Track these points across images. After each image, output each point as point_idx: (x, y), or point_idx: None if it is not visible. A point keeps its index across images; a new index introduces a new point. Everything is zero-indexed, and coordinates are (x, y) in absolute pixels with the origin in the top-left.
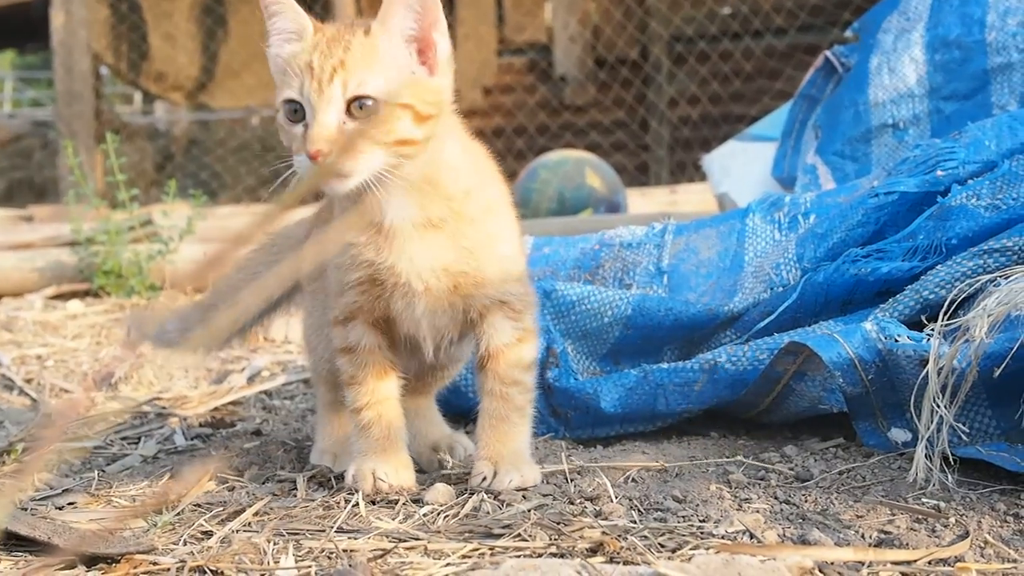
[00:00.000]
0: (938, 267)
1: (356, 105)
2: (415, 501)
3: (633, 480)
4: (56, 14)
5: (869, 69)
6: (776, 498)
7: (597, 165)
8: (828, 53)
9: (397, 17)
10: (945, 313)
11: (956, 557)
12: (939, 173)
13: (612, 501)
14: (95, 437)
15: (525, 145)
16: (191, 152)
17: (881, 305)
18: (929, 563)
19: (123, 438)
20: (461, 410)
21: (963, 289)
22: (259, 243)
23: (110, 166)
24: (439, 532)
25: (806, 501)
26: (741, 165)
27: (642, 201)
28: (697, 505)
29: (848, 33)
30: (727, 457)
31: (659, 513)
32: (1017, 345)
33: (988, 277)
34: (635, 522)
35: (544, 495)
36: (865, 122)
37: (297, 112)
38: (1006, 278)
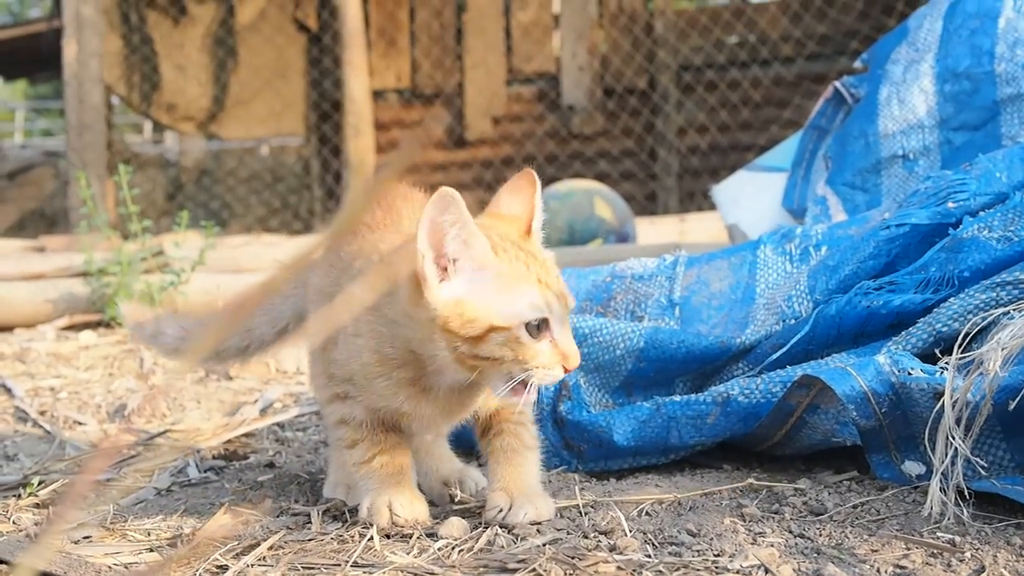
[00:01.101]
0: (951, 300)
1: None
2: (429, 535)
3: (647, 514)
4: (68, 45)
5: (879, 100)
6: (790, 532)
7: (607, 196)
8: (837, 84)
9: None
10: (959, 346)
11: None
12: (950, 205)
13: (626, 535)
14: (109, 470)
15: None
16: (201, 182)
17: (894, 338)
18: None
19: (136, 470)
20: (472, 444)
21: (976, 322)
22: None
23: (122, 197)
24: (454, 567)
25: (821, 535)
26: (751, 195)
27: (651, 230)
28: (711, 539)
29: (857, 63)
30: (740, 490)
31: (673, 547)
32: None
33: (1001, 310)
34: (650, 556)
35: (558, 529)
36: (875, 153)
37: (540, 328)
38: (1019, 311)
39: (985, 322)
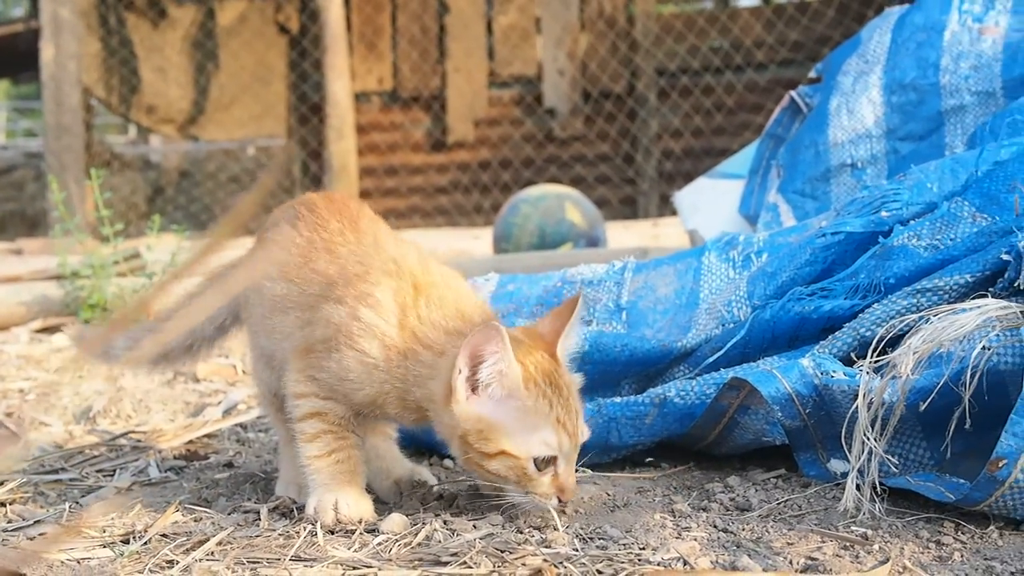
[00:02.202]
0: (875, 305)
1: None
2: (370, 531)
3: (581, 511)
4: (46, 47)
5: (829, 110)
6: (715, 527)
7: (577, 200)
8: (793, 93)
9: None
10: (874, 350)
11: None
12: (884, 214)
13: (558, 530)
14: (71, 470)
15: (511, 178)
16: (181, 185)
17: (821, 342)
18: None
19: (98, 470)
20: (425, 444)
21: (895, 326)
22: (212, 275)
23: (97, 200)
24: (391, 560)
25: (743, 530)
26: (710, 202)
27: (625, 234)
28: (639, 534)
29: (812, 74)
30: (674, 488)
31: (601, 541)
32: (942, 381)
33: (918, 315)
34: (577, 550)
35: (494, 525)
36: (825, 161)
37: (547, 463)
38: (936, 316)
39: (904, 326)
